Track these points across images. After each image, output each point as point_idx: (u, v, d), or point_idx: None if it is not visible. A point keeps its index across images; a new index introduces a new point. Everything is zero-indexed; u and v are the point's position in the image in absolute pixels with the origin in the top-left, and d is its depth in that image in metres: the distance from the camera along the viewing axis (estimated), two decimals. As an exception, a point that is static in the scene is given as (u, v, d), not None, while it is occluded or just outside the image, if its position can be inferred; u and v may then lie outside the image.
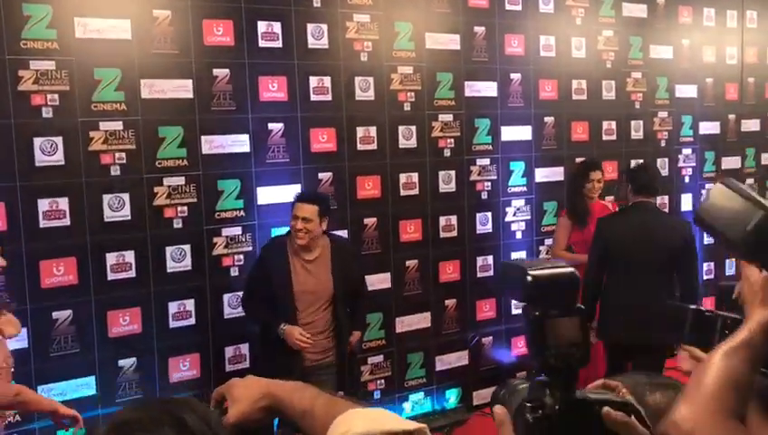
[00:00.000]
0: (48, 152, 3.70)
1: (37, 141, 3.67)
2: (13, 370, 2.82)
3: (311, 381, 1.29)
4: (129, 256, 3.90)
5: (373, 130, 4.66)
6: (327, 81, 4.47)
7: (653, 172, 4.40)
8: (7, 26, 3.57)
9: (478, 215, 5.11)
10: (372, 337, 4.74)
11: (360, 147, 4.62)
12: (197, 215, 4.08)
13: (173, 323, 4.05)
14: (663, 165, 6.03)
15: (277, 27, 4.29)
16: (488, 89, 5.09)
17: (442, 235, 4.96)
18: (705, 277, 6.01)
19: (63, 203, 3.74)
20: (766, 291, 1.01)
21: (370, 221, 4.69)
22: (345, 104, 4.54)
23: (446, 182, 4.95)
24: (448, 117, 4.93)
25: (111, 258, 3.86)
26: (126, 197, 3.88)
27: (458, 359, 5.08)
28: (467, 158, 5.03)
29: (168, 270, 4.02)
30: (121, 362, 3.91)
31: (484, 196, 5.13)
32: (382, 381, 4.80)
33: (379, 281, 4.74)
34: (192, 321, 4.11)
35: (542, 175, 5.38)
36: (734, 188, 1.13)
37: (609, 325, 4.16)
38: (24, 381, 3.61)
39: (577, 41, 5.50)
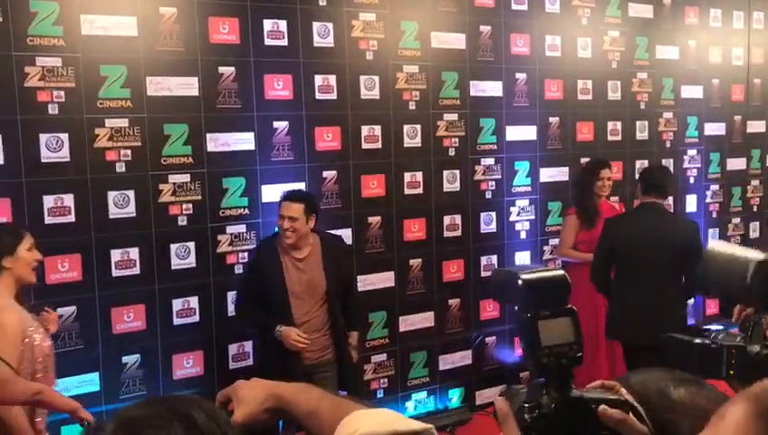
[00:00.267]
0: (54, 149, 3.70)
1: (43, 138, 3.68)
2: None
3: (312, 379, 1.30)
4: (134, 252, 3.91)
5: (378, 129, 4.65)
6: (332, 79, 4.47)
7: (663, 173, 4.40)
8: (14, 23, 3.58)
9: (482, 214, 5.11)
10: (375, 336, 4.74)
11: (364, 145, 4.62)
12: (202, 212, 4.09)
13: (177, 321, 4.06)
14: (668, 166, 6.01)
15: (283, 26, 4.29)
16: (493, 88, 5.08)
17: (446, 234, 4.96)
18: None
19: (69, 199, 3.74)
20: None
21: (374, 220, 4.69)
22: (350, 103, 4.54)
23: (451, 181, 4.94)
24: (453, 116, 4.92)
25: (116, 255, 3.87)
26: (131, 193, 3.89)
27: (462, 358, 5.08)
28: (472, 157, 5.02)
29: (173, 267, 4.03)
30: (125, 359, 3.92)
31: (489, 195, 5.12)
32: (385, 380, 4.80)
33: (382, 280, 4.74)
34: (196, 318, 4.11)
35: (547, 175, 5.37)
36: (720, 251, 1.17)
37: (615, 325, 4.20)
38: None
39: (583, 41, 5.49)
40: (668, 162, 5.96)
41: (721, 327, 1.42)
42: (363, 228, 4.65)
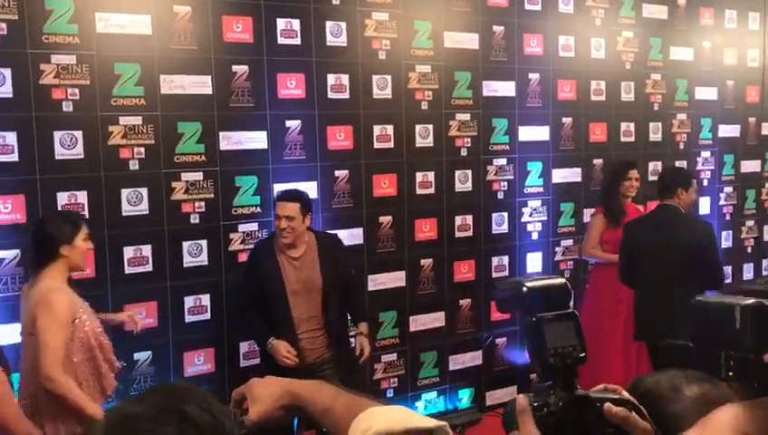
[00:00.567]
0: (68, 146, 3.73)
1: (57, 135, 3.70)
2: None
3: (313, 378, 1.31)
4: (147, 250, 3.93)
5: (390, 129, 4.65)
6: (345, 78, 4.48)
7: (672, 175, 4.48)
8: (30, 20, 3.60)
9: (494, 215, 5.10)
10: (386, 335, 4.74)
11: (376, 145, 4.62)
12: (215, 210, 4.10)
13: (189, 318, 4.08)
14: (682, 166, 5.98)
15: (296, 24, 4.30)
16: (506, 88, 5.07)
17: (457, 234, 4.95)
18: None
19: (82, 196, 3.76)
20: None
21: (386, 219, 4.69)
22: (362, 102, 4.54)
23: (463, 182, 4.94)
24: (466, 116, 4.92)
25: (129, 252, 3.89)
26: (144, 191, 3.91)
27: (472, 359, 5.07)
28: (484, 157, 5.01)
29: (185, 265, 4.04)
30: (137, 356, 3.94)
31: (501, 196, 5.11)
32: (395, 379, 4.80)
33: (393, 279, 4.74)
34: (207, 316, 4.13)
35: (560, 176, 5.36)
36: (707, 302, 1.19)
37: (635, 326, 4.34)
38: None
39: (596, 41, 5.47)
40: (682, 164, 5.92)
41: None
42: (374, 228, 4.65)
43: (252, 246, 4.05)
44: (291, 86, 4.32)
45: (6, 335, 3.60)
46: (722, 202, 6.30)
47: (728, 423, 0.79)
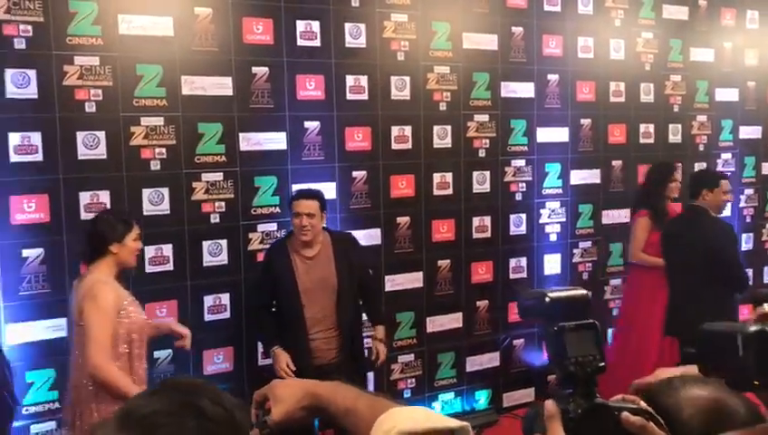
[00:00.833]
0: (90, 146, 3.78)
1: (80, 135, 3.75)
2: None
3: (324, 379, 1.32)
4: (167, 249, 3.97)
5: (408, 130, 4.67)
6: (363, 80, 4.49)
7: (696, 175, 4.61)
8: (54, 22, 3.65)
9: (512, 216, 5.09)
10: (403, 336, 4.75)
11: (394, 146, 4.63)
12: (234, 210, 4.13)
13: (208, 317, 4.11)
14: (708, 167, 5.93)
15: (316, 26, 4.32)
16: (525, 90, 5.07)
17: (475, 235, 4.95)
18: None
19: (104, 196, 3.81)
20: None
21: (403, 220, 4.70)
22: (381, 103, 4.55)
23: (481, 183, 4.94)
24: (484, 117, 4.92)
25: (150, 251, 3.92)
26: (165, 191, 3.95)
27: (489, 360, 5.07)
28: (502, 158, 5.01)
29: (205, 264, 4.08)
30: (157, 354, 3.98)
31: (519, 197, 5.10)
32: (412, 380, 4.81)
33: (410, 280, 4.75)
34: (227, 314, 4.16)
35: (578, 177, 5.34)
36: (712, 330, 1.20)
37: (665, 323, 4.41)
38: (64, 370, 3.70)
39: (616, 42, 5.45)
40: (701, 166, 5.88)
41: None
42: (392, 229, 4.66)
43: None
44: (310, 87, 4.34)
45: (33, 333, 3.66)
46: (742, 204, 6.24)
47: None
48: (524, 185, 5.12)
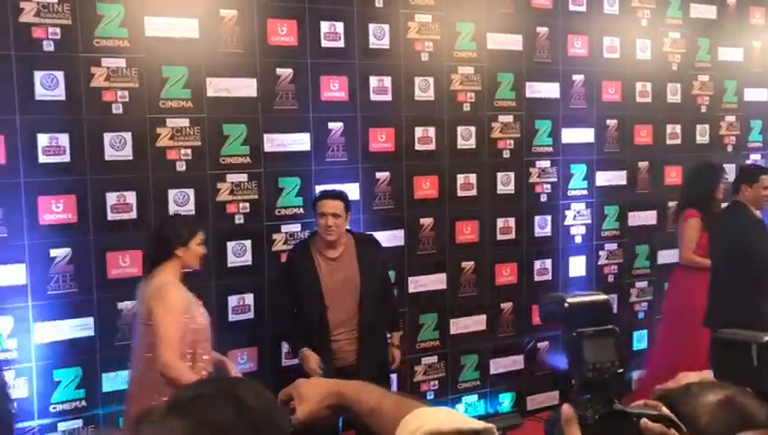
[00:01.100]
0: (117, 147, 3.82)
1: (107, 137, 3.79)
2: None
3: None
4: (192, 250, 3.99)
5: (432, 131, 4.65)
6: (387, 81, 4.49)
7: (740, 171, 4.63)
8: (82, 25, 3.70)
9: (537, 218, 5.05)
10: (426, 338, 4.73)
11: (418, 147, 4.62)
12: (258, 211, 4.15)
13: (232, 317, 4.13)
14: (729, 171, 5.84)
15: (339, 27, 4.33)
16: (550, 90, 5.03)
17: (499, 237, 4.92)
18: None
19: (131, 197, 3.85)
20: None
21: (427, 221, 4.69)
22: (404, 104, 4.55)
23: (505, 184, 4.91)
24: (508, 118, 4.89)
25: (175, 252, 3.95)
26: (190, 192, 3.98)
27: (513, 363, 5.03)
28: (527, 159, 4.97)
29: (229, 264, 4.10)
30: (182, 354, 4.00)
31: (544, 198, 5.06)
32: (435, 382, 4.79)
33: (434, 282, 4.73)
34: (251, 315, 4.18)
35: (604, 178, 5.28)
36: (723, 339, 1.19)
37: (705, 315, 4.35)
38: (90, 368, 3.76)
39: (642, 42, 5.39)
40: (730, 168, 5.79)
41: None
42: (415, 230, 4.65)
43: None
44: (334, 88, 4.35)
45: (60, 332, 3.71)
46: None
47: None
48: (549, 186, 5.08)
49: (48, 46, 3.64)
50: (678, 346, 4.63)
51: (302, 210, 4.26)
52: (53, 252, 3.69)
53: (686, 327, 4.63)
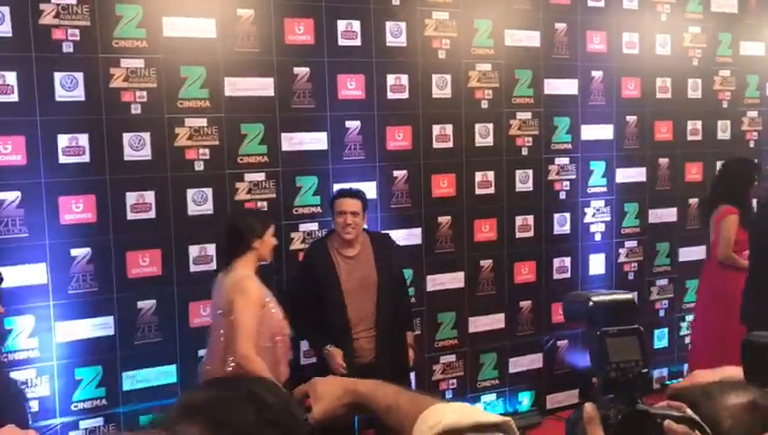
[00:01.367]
0: (136, 147, 3.84)
1: (126, 137, 3.82)
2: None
3: (370, 378, 1.32)
4: (211, 249, 4.01)
5: (449, 129, 4.63)
6: (404, 79, 4.48)
7: None
8: (101, 26, 3.73)
9: (556, 215, 5.01)
10: (445, 336, 4.72)
11: (435, 145, 4.60)
12: (276, 210, 4.15)
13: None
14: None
15: (356, 26, 4.32)
16: (568, 86, 4.99)
17: (518, 235, 4.89)
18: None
19: (149, 196, 3.87)
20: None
21: (444, 220, 4.67)
22: (422, 102, 4.53)
23: (524, 181, 4.88)
24: (527, 115, 4.86)
25: (194, 251, 3.98)
26: (209, 191, 3.99)
27: (532, 361, 5.00)
28: (546, 157, 4.94)
29: (248, 263, 4.11)
30: (201, 353, 4.01)
31: (563, 196, 5.03)
32: (454, 380, 4.78)
33: (452, 280, 4.72)
34: (269, 314, 4.19)
35: (624, 175, 5.23)
36: (752, 341, 1.19)
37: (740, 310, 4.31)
38: (110, 367, 3.79)
39: (662, 38, 5.33)
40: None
41: None
42: (433, 228, 4.64)
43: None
44: (351, 87, 4.34)
45: (81, 331, 3.74)
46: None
47: None
48: (568, 183, 5.04)
49: (67, 47, 3.67)
50: (717, 347, 4.53)
51: (319, 209, 4.26)
52: (74, 252, 3.73)
53: (722, 324, 4.52)
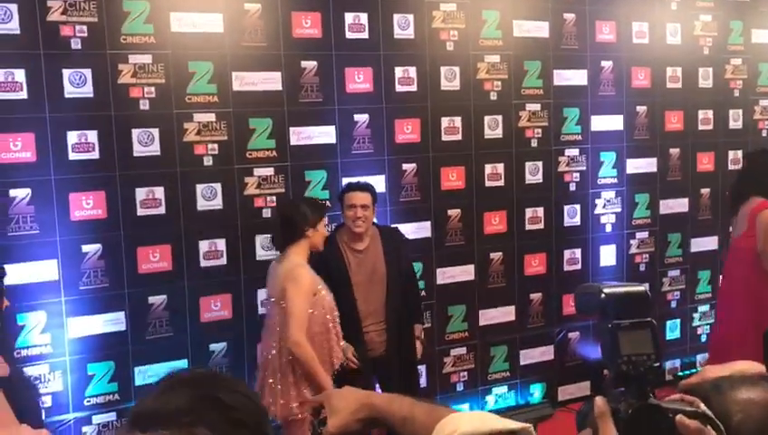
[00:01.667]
0: (145, 143, 3.85)
1: (135, 132, 3.82)
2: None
3: (377, 372, 1.32)
4: (221, 244, 4.02)
5: (458, 121, 4.62)
6: (412, 71, 4.46)
7: None
8: (108, 22, 3.73)
9: (566, 207, 4.99)
10: (455, 329, 4.71)
11: (444, 137, 4.59)
12: (286, 205, 4.16)
13: (262, 310, 4.13)
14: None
15: (364, 18, 4.30)
16: (578, 77, 4.95)
17: (528, 227, 4.88)
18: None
19: (159, 192, 3.88)
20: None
21: (454, 213, 4.66)
22: (430, 95, 4.51)
23: (533, 173, 4.85)
24: (536, 106, 4.83)
25: (204, 246, 3.99)
26: (218, 186, 4.00)
27: (543, 354, 4.99)
28: (555, 148, 4.91)
29: (258, 258, 4.12)
30: (212, 347, 4.05)
31: (573, 187, 5.00)
32: (465, 373, 4.77)
33: (462, 273, 4.71)
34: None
35: (634, 166, 5.20)
36: None
37: None
38: (122, 362, 3.81)
39: (672, 26, 5.28)
40: (764, 153, 5.66)
41: None
42: (443, 221, 4.63)
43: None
44: (359, 80, 4.33)
45: (93, 326, 3.76)
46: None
47: None
48: (578, 175, 5.01)
49: (75, 44, 3.68)
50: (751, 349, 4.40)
51: (328, 203, 4.26)
52: (85, 248, 3.74)
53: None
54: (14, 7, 3.55)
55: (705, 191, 5.44)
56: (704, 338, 5.53)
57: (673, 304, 5.42)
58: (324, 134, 4.25)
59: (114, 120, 3.77)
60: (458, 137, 4.62)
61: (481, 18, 4.63)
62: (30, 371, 3.53)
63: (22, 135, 3.61)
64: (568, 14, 4.89)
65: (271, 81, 4.09)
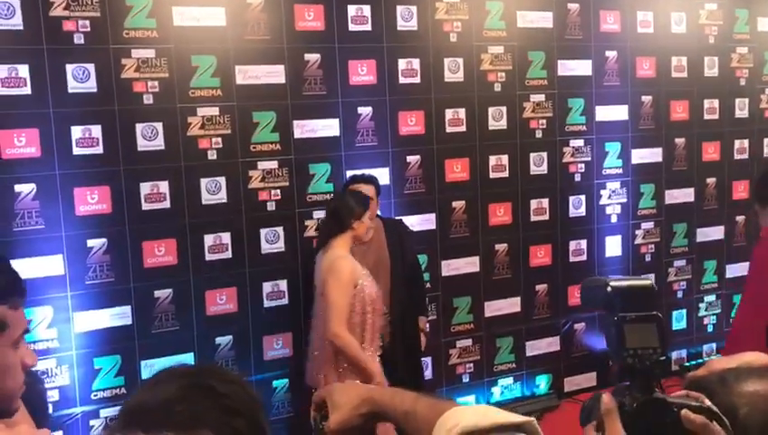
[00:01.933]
0: (149, 137, 3.85)
1: (139, 127, 3.82)
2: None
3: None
4: (226, 237, 4.02)
5: (462, 112, 4.60)
6: (416, 63, 4.45)
7: None
8: (111, 17, 3.73)
9: (571, 198, 4.98)
10: (461, 321, 4.71)
11: (448, 129, 4.58)
12: (290, 198, 4.16)
13: (267, 303, 4.16)
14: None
15: (367, 10, 4.29)
16: (582, 67, 4.93)
17: (533, 218, 4.87)
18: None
19: (164, 186, 3.88)
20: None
21: (459, 204, 4.65)
22: (434, 86, 4.50)
23: (538, 164, 4.84)
24: (540, 97, 4.81)
25: (209, 239, 3.99)
26: (222, 180, 4.00)
27: (549, 345, 4.99)
28: (560, 139, 4.90)
29: (263, 251, 4.12)
30: (218, 340, 4.05)
31: (578, 178, 4.98)
32: (471, 365, 4.78)
33: (467, 265, 4.71)
34: (285, 301, 4.20)
35: (639, 156, 5.18)
36: None
37: None
38: (128, 356, 3.82)
39: (677, 15, 5.24)
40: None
41: None
42: (447, 213, 4.62)
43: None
44: (362, 73, 4.32)
45: (99, 321, 3.77)
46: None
47: None
48: (583, 165, 5.00)
49: (78, 39, 3.68)
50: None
51: (332, 196, 4.25)
52: (90, 242, 3.75)
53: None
54: (16, 3, 3.55)
55: (711, 181, 5.42)
56: (710, 328, 5.52)
57: (679, 295, 5.41)
58: (328, 127, 4.25)
59: (118, 115, 3.77)
60: (462, 128, 4.61)
61: (484, 9, 4.61)
62: (37, 365, 3.54)
63: (26, 130, 3.61)
64: (572, 4, 4.86)
65: (274, 74, 4.08)
